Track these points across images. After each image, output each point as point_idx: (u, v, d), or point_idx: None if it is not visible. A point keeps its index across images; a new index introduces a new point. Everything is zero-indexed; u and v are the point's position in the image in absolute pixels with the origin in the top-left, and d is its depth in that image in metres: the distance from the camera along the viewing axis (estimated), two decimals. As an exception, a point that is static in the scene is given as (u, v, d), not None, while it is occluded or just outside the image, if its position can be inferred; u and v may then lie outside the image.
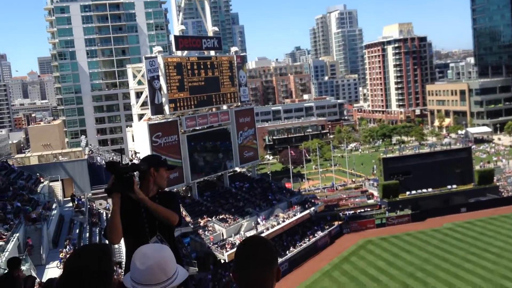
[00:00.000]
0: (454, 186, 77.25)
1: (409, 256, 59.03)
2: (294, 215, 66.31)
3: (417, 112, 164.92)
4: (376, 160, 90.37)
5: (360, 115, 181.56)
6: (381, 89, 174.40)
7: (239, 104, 74.31)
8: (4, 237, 29.51)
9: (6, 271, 11.22)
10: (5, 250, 27.09)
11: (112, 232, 4.53)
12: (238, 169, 75.83)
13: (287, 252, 60.53)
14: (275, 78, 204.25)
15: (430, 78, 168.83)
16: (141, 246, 3.00)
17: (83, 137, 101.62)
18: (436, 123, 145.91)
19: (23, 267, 25.56)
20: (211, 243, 56.33)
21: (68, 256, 3.45)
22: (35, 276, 18.70)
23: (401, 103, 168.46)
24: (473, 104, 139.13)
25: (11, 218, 34.08)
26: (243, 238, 3.05)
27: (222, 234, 58.88)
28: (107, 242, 4.86)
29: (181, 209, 56.48)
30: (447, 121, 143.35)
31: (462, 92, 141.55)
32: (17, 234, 30.37)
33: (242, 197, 68.51)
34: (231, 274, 2.90)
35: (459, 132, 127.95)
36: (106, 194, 4.72)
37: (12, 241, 29.11)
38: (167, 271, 2.85)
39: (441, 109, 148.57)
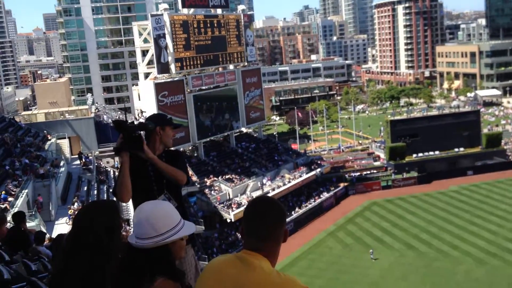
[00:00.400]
0: (462, 149, 76.96)
1: (414, 218, 59.37)
2: (300, 176, 66.48)
3: (426, 74, 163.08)
4: (383, 122, 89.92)
5: (368, 77, 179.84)
6: (390, 50, 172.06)
7: (246, 64, 73.56)
8: (13, 193, 29.77)
9: (14, 225, 11.41)
10: (15, 206, 27.35)
11: (122, 190, 4.53)
12: (244, 130, 75.72)
13: (293, 212, 60.96)
14: (282, 38, 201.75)
15: (440, 40, 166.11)
16: (147, 201, 3.01)
17: (89, 95, 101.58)
18: (445, 85, 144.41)
19: (33, 223, 25.84)
20: (218, 203, 56.75)
21: (77, 211, 3.50)
22: (45, 231, 18.85)
23: (410, 65, 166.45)
24: (483, 66, 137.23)
25: (20, 174, 34.30)
26: (253, 198, 2.96)
27: (228, 194, 59.22)
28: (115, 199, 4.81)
29: (188, 169, 56.73)
30: (456, 83, 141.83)
31: (473, 54, 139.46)
32: (26, 191, 30.64)
33: (248, 158, 68.62)
34: (239, 231, 2.90)
35: (468, 94, 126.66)
36: (114, 153, 4.68)
37: (21, 197, 29.38)
38: (158, 227, 2.84)
39: (450, 71, 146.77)
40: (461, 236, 52.64)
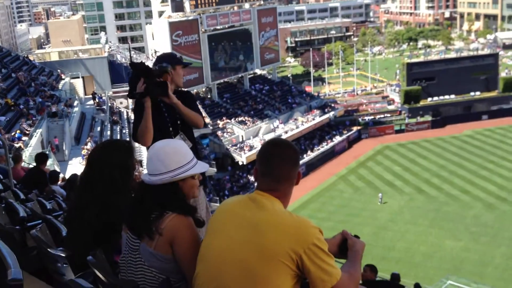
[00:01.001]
0: (478, 93, 75.87)
1: (426, 162, 59.47)
2: (313, 119, 66.39)
3: (447, 14, 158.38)
4: (399, 64, 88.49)
5: (387, 17, 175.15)
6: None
7: (262, 2, 72.01)
8: (27, 132, 30.19)
9: (34, 165, 11.79)
10: (29, 145, 27.80)
11: (145, 134, 4.51)
12: (258, 71, 75.11)
13: (305, 156, 61.28)
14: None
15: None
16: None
17: (102, 33, 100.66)
18: (465, 27, 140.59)
19: (47, 163, 26.30)
20: (230, 145, 57.14)
21: (92, 149, 3.62)
22: (59, 171, 19.25)
23: (430, 5, 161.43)
24: (505, 7, 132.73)
25: (34, 114, 34.68)
26: (267, 140, 3.00)
27: (242, 136, 59.51)
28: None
29: (201, 110, 56.90)
30: (477, 25, 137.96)
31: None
32: (40, 130, 31.01)
33: (261, 100, 68.44)
34: (253, 173, 2.95)
35: (488, 36, 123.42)
36: (134, 97, 4.59)
37: (35, 136, 29.80)
38: (167, 163, 2.87)
39: (471, 12, 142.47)
40: (472, 181, 52.80)
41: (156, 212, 2.83)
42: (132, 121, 5.06)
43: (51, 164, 26.47)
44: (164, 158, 2.88)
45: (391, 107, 77.76)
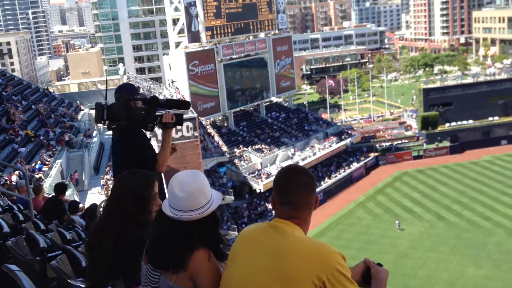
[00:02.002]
0: (496, 117, 75.23)
1: (445, 188, 58.76)
2: (330, 146, 66.23)
3: (462, 40, 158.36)
4: (416, 90, 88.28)
5: (402, 44, 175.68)
6: (425, 15, 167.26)
7: (277, 32, 72.83)
8: (47, 163, 30.53)
9: (53, 195, 11.92)
10: (49, 176, 28.07)
11: (166, 162, 4.75)
12: (274, 99, 75.46)
13: (322, 183, 60.99)
14: (314, 4, 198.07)
15: (477, 4, 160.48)
16: (176, 174, 2.98)
17: (121, 65, 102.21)
18: (481, 52, 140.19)
19: (66, 193, 26.53)
20: (247, 173, 57.13)
21: (118, 178, 3.65)
22: (78, 201, 19.41)
23: (445, 31, 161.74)
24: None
25: (54, 144, 35.13)
26: (282, 167, 3.00)
27: (260, 164, 59.53)
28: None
29: (218, 139, 57.20)
30: (493, 50, 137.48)
31: (510, 20, 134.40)
32: (60, 161, 31.34)
33: (278, 127, 68.59)
34: (270, 201, 2.92)
35: (505, 61, 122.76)
36: (166, 127, 4.96)
37: (55, 167, 30.10)
38: (207, 193, 2.90)
39: (487, 37, 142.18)
40: (493, 207, 51.97)
41: (181, 246, 2.83)
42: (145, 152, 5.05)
43: (71, 194, 26.68)
44: (204, 190, 2.90)
45: (409, 133, 77.33)
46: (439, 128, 74.26)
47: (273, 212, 2.86)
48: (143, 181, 3.63)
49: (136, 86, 5.40)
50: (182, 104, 5.30)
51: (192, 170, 3.14)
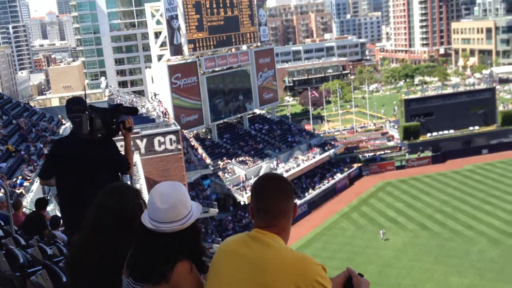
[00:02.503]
0: (477, 127, 76.24)
1: (428, 198, 59.20)
2: (314, 157, 66.47)
3: (441, 51, 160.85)
4: (397, 101, 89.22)
5: (383, 55, 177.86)
6: (405, 27, 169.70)
7: (259, 44, 73.25)
8: (29, 178, 30.13)
9: (33, 210, 11.77)
10: (30, 191, 27.68)
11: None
12: (257, 111, 75.68)
13: (306, 194, 61.12)
14: (295, 17, 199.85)
15: (456, 16, 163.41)
16: (156, 185, 2.96)
17: (103, 78, 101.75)
18: (461, 62, 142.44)
19: (48, 208, 26.17)
20: (231, 185, 57.02)
21: (102, 192, 3.60)
22: (60, 216, 19.20)
23: (425, 42, 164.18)
24: (499, 42, 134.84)
25: (35, 159, 34.71)
26: (259, 176, 3.00)
27: (245, 176, 59.46)
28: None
29: (202, 151, 57.06)
30: (472, 60, 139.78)
31: (489, 30, 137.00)
32: (41, 176, 30.87)
33: (261, 139, 68.69)
34: (249, 210, 2.91)
35: (484, 71, 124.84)
36: (127, 132, 5.51)
37: (36, 182, 29.70)
38: (188, 204, 2.87)
39: (466, 48, 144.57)
40: (475, 216, 52.43)
41: (162, 258, 2.79)
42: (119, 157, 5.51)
43: (53, 209, 26.32)
44: (185, 202, 2.86)
45: (391, 143, 77.97)
46: (421, 138, 75.02)
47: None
48: (133, 193, 3.60)
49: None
50: (133, 110, 5.70)
51: (172, 181, 3.13)
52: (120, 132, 5.47)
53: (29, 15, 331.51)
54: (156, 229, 2.82)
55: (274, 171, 60.15)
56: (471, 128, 76.04)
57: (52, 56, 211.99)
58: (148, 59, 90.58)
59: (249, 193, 54.02)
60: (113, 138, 5.54)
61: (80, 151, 5.29)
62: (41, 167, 6.07)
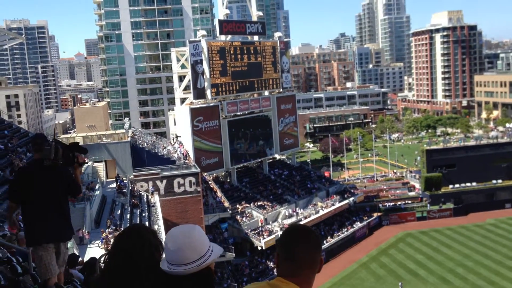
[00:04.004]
0: (500, 180, 75.04)
1: (449, 251, 57.87)
2: (333, 205, 65.83)
3: (464, 103, 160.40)
4: (419, 151, 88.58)
5: (404, 105, 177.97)
6: (427, 78, 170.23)
7: (281, 90, 73.97)
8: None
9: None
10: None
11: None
12: (278, 156, 75.71)
13: (325, 242, 60.22)
14: (318, 65, 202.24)
15: (478, 69, 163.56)
16: (172, 228, 3.02)
17: (126, 119, 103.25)
18: (483, 115, 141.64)
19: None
20: (249, 229, 56.53)
21: (119, 233, 3.59)
22: (78, 254, 19.14)
23: (447, 94, 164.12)
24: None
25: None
26: (289, 225, 2.99)
27: (266, 220, 59.04)
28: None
29: (221, 194, 56.98)
30: (495, 113, 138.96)
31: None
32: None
33: (281, 185, 68.43)
34: (274, 258, 2.89)
35: (507, 125, 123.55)
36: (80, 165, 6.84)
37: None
38: (199, 249, 2.88)
39: (489, 101, 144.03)
40: (498, 271, 50.99)
41: None
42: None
43: (70, 247, 26.32)
44: (195, 246, 2.89)
45: (412, 194, 76.96)
46: (443, 190, 73.98)
47: (275, 270, 2.83)
48: (151, 234, 3.60)
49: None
50: (83, 150, 6.92)
51: (188, 224, 3.15)
52: (73, 164, 6.67)
53: (58, 56, 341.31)
54: (168, 271, 2.88)
55: (293, 217, 59.74)
56: (494, 181, 74.87)
57: (79, 96, 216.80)
58: (172, 101, 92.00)
59: (267, 238, 53.56)
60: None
61: (44, 176, 6.35)
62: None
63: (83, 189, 38.92)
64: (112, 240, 28.11)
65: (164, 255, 2.96)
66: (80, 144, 7.18)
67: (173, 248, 2.86)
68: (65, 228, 6.64)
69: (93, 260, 10.73)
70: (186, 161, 53.20)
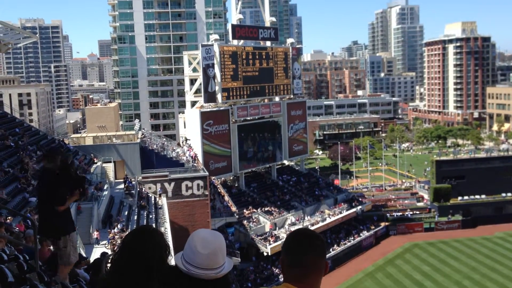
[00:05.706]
0: (509, 194, 74.41)
1: (456, 263, 57.43)
2: (340, 213, 65.60)
3: (475, 115, 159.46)
4: (428, 162, 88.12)
5: (415, 115, 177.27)
6: (439, 89, 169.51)
7: (292, 96, 73.96)
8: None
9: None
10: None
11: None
12: (286, 162, 75.62)
13: (331, 250, 59.99)
14: (329, 72, 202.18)
15: (491, 81, 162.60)
16: (198, 230, 2.99)
17: (137, 120, 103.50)
18: (495, 127, 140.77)
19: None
20: (255, 235, 56.45)
21: (131, 233, 3.59)
22: (84, 254, 19.18)
23: (459, 105, 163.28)
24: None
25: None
26: (294, 230, 2.98)
27: (275, 224, 58.96)
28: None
29: (228, 199, 56.99)
30: (506, 126, 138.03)
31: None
32: (69, 212, 31.13)
33: (288, 191, 68.33)
34: (280, 263, 2.89)
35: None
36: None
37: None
38: (225, 255, 2.91)
39: (501, 113, 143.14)
40: (505, 285, 50.55)
41: None
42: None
43: (77, 247, 26.34)
44: (224, 251, 2.90)
45: (420, 204, 76.53)
46: (451, 201, 73.50)
47: (280, 277, 2.82)
48: (160, 235, 3.60)
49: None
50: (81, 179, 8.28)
51: (211, 230, 3.14)
52: (77, 189, 7.86)
53: (71, 56, 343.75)
54: (191, 274, 2.83)
55: (300, 224, 59.57)
56: (503, 194, 74.28)
57: (90, 96, 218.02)
58: (182, 104, 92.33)
59: (273, 244, 53.43)
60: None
61: (53, 181, 7.50)
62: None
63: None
64: (119, 241, 28.17)
65: (183, 257, 2.92)
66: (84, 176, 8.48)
67: (205, 251, 2.82)
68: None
69: (98, 260, 10.77)
70: (195, 164, 53.29)
